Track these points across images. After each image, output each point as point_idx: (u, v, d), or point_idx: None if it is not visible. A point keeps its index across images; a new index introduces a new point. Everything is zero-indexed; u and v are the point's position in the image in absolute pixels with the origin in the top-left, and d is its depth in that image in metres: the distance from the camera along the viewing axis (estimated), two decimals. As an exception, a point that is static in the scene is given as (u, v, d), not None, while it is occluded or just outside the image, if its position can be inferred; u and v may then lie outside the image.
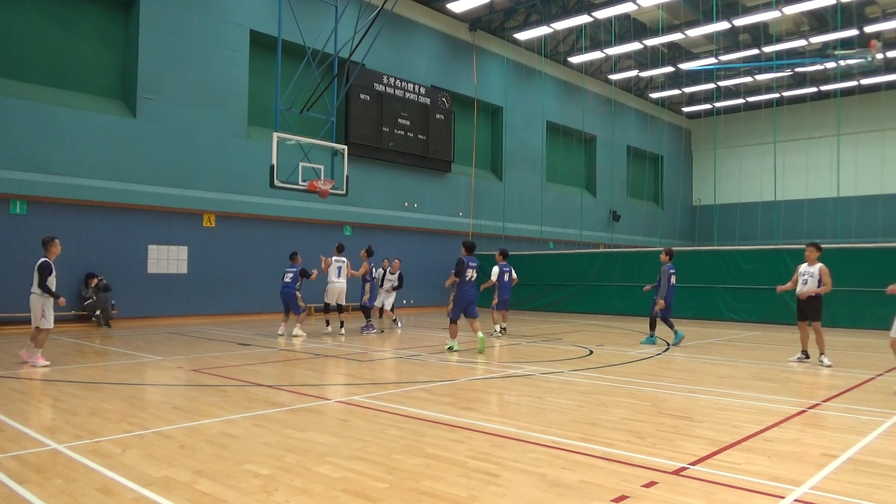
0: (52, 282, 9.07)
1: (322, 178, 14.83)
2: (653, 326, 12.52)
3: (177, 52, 16.59)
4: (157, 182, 16.21)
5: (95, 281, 14.95)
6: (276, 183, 13.96)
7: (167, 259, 16.61)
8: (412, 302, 22.40)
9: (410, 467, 4.40)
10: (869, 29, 22.84)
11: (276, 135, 14.00)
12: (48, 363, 9.06)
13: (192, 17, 16.93)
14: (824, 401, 6.91)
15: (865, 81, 29.68)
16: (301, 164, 14.58)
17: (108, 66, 16.26)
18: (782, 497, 3.87)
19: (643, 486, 4.05)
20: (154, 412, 6.18)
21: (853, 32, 22.92)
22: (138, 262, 16.10)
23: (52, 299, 9.08)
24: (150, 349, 11.04)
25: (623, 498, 3.83)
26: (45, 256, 9.13)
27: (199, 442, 5.02)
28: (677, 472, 4.36)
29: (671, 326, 12.22)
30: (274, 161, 13.87)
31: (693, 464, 4.53)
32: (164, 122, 16.37)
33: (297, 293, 13.46)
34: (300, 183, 14.42)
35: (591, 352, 11.19)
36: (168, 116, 16.44)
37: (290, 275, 13.57)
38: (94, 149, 15.21)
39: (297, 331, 13.23)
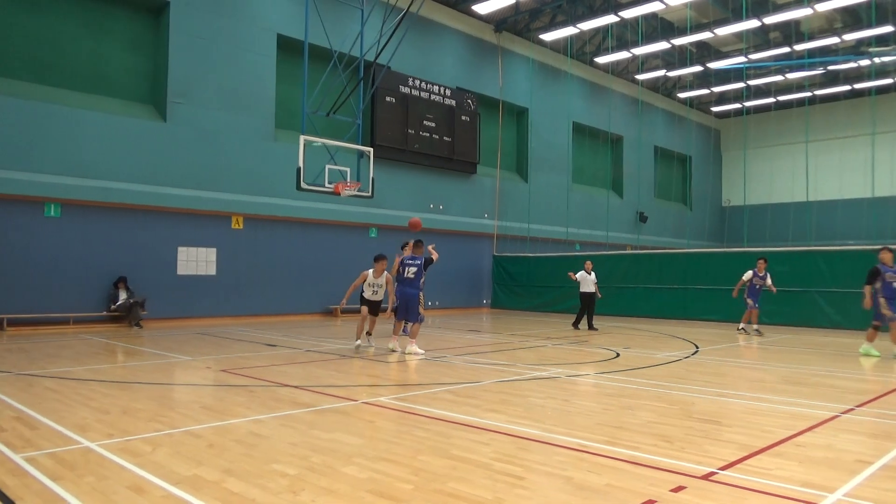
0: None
1: (348, 180, 14.92)
2: None
3: (206, 56, 16.85)
4: (187, 185, 16.47)
5: (125, 285, 15.23)
6: (303, 185, 14.07)
7: (196, 260, 16.87)
8: (437, 304, 22.41)
9: (436, 469, 4.40)
10: (905, 25, 22.30)
11: (302, 137, 14.12)
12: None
13: (221, 22, 17.18)
14: (858, 406, 6.74)
15: (901, 79, 28.98)
16: (327, 166, 14.69)
17: (140, 71, 16.58)
18: (815, 504, 3.79)
19: (671, 490, 4.00)
20: (183, 411, 6.27)
21: (889, 29, 22.39)
22: (168, 263, 16.36)
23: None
24: (180, 349, 11.20)
25: (651, 502, 3.78)
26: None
27: (227, 441, 5.07)
28: (706, 476, 4.29)
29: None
30: (301, 163, 13.99)
31: (722, 469, 4.46)
32: (194, 125, 16.63)
33: (422, 294, 10.68)
34: (326, 185, 14.53)
35: (618, 354, 11.08)
36: (197, 120, 16.70)
37: (415, 269, 10.78)
38: (126, 152, 15.51)
39: (412, 348, 10.60)
